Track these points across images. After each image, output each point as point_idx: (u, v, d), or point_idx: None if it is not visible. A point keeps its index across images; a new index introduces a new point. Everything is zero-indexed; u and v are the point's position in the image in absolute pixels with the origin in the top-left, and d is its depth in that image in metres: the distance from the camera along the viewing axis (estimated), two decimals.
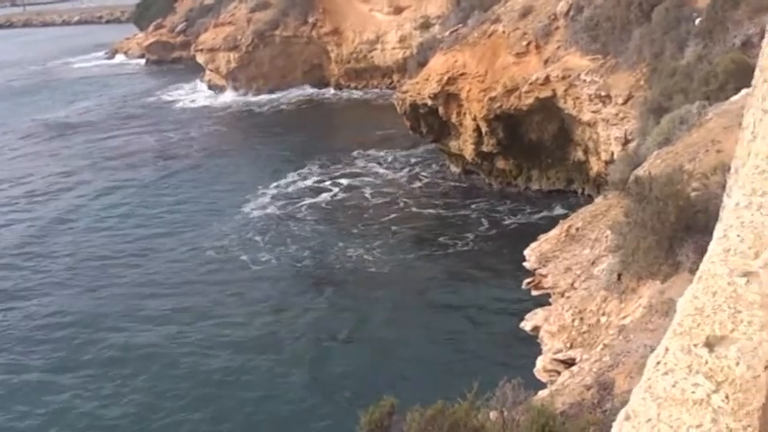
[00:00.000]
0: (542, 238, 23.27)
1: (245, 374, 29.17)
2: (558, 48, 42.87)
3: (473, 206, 44.52)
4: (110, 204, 50.11)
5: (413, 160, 53.65)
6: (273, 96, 77.87)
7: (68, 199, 51.78)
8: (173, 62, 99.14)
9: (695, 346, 3.43)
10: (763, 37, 15.40)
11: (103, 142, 65.76)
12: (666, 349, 3.46)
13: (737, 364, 3.28)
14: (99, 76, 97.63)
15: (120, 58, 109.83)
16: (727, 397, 3.11)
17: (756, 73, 11.84)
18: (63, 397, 28.72)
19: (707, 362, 3.32)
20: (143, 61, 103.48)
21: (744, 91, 19.32)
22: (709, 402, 3.10)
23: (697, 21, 33.86)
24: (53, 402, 28.44)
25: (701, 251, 12.34)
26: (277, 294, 35.67)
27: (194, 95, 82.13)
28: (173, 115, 74.81)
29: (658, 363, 3.40)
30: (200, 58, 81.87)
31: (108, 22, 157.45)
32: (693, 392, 3.16)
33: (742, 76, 21.66)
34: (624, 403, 3.30)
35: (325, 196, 48.26)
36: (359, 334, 31.83)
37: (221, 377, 29.08)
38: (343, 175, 51.74)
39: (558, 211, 39.34)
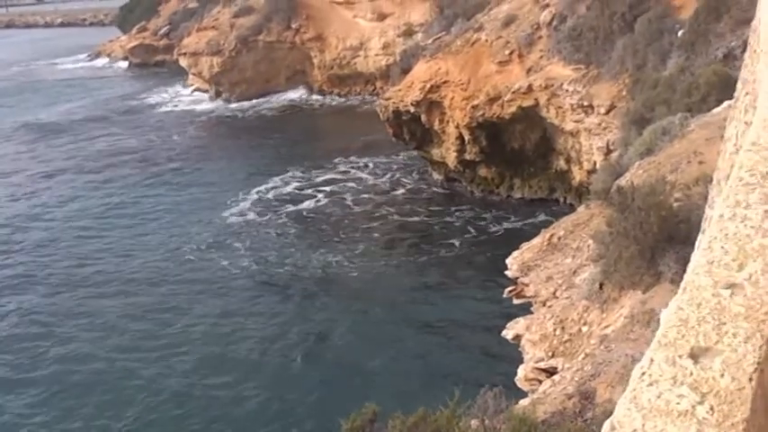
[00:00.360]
0: (524, 246, 23.30)
1: (222, 382, 29.02)
2: (541, 57, 43.02)
3: (455, 214, 44.56)
4: (89, 207, 49.92)
5: (395, 167, 53.65)
6: (256, 101, 77.76)
7: (47, 201, 51.58)
8: (156, 65, 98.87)
9: (680, 357, 3.45)
10: (745, 50, 15.52)
11: (84, 145, 65.53)
12: (651, 360, 3.47)
13: (722, 375, 3.29)
14: (81, 79, 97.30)
15: (102, 60, 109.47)
16: (711, 408, 3.12)
17: (738, 85, 11.90)
18: (25, 401, 28.63)
19: (692, 373, 3.33)
20: (126, 64, 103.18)
21: (726, 103, 19.44)
22: (693, 414, 3.11)
23: (680, 33, 34.05)
24: (23, 399, 28.37)
25: (684, 261, 12.43)
26: (257, 301, 35.58)
27: (177, 99, 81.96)
28: (155, 119, 74.62)
29: (643, 374, 3.41)
30: (184, 62, 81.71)
31: (91, 24, 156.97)
32: (678, 404, 3.17)
33: (724, 89, 21.79)
34: (605, 412, 3.32)
35: (307, 202, 48.20)
36: (340, 341, 31.75)
37: (197, 385, 28.95)
38: (325, 182, 51.70)
39: (541, 219, 39.38)
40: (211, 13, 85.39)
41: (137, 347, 31.94)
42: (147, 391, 28.61)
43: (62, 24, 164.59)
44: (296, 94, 79.66)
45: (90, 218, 47.90)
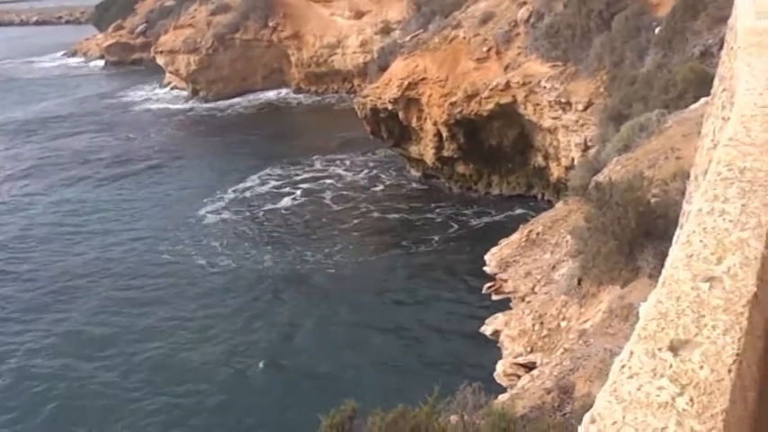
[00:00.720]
0: (503, 242, 23.37)
1: (201, 378, 28.98)
2: (519, 54, 43.11)
3: (433, 210, 44.58)
4: (64, 205, 49.67)
5: (373, 164, 53.62)
6: (233, 100, 77.54)
7: (22, 198, 51.27)
8: (132, 63, 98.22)
9: (659, 349, 3.47)
10: (722, 47, 15.63)
11: (60, 143, 65.11)
12: (631, 353, 3.49)
13: (702, 367, 3.32)
14: (57, 77, 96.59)
15: (79, 59, 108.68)
16: (691, 400, 3.14)
17: (715, 82, 11.98)
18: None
19: (671, 365, 3.35)
20: (102, 63, 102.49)
21: (703, 99, 19.56)
22: (673, 405, 3.13)
23: (657, 30, 34.21)
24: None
25: (661, 256, 12.49)
26: (234, 298, 35.49)
27: (154, 98, 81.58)
28: (131, 117, 74.25)
29: (623, 366, 3.42)
30: (160, 60, 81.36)
31: (67, 22, 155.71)
32: (658, 395, 3.19)
33: (701, 85, 21.93)
34: (584, 406, 3.33)
35: (285, 200, 48.11)
36: (318, 338, 31.73)
37: (177, 380, 28.89)
38: (302, 179, 51.62)
39: (519, 215, 39.43)
40: (188, 11, 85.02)
41: (107, 344, 31.84)
42: (142, 380, 28.65)
43: (37, 23, 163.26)
44: (273, 92, 79.44)
45: (65, 215, 47.66)
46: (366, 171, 52.54)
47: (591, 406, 3.30)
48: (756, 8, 10.47)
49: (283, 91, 79.68)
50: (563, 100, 38.24)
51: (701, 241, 4.30)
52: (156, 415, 27.01)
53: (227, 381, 28.78)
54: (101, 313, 34.59)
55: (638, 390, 3.24)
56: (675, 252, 4.35)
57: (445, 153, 46.27)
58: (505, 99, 42.07)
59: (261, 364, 29.67)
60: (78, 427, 26.73)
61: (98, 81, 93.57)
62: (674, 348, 3.46)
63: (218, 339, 31.81)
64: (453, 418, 12.37)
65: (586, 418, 3.22)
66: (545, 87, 39.44)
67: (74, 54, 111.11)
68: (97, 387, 28.97)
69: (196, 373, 29.34)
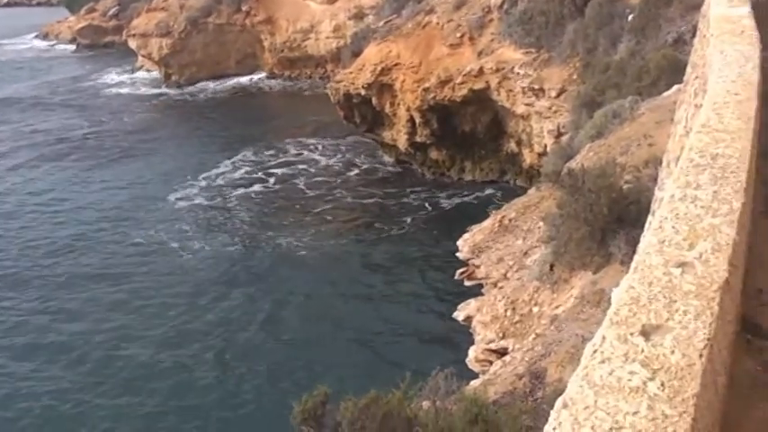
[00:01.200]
0: (475, 228, 23.43)
1: (173, 365, 28.88)
2: (492, 40, 43.11)
3: (406, 196, 44.59)
4: (36, 190, 49.25)
5: (345, 149, 53.55)
6: (206, 84, 77.19)
7: None
8: (105, 47, 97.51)
9: (631, 335, 3.49)
10: (694, 35, 15.69)
11: (31, 127, 64.49)
12: (603, 338, 3.51)
13: (673, 352, 3.34)
14: (28, 60, 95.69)
15: (50, 41, 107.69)
16: (662, 384, 3.16)
17: (688, 69, 12.03)
18: None
19: (643, 350, 3.37)
20: (74, 46, 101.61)
21: (675, 87, 19.63)
22: (645, 390, 3.15)
23: (630, 17, 34.29)
24: None
25: (633, 242, 12.55)
26: (207, 284, 35.33)
27: (126, 81, 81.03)
28: (103, 101, 73.68)
29: (595, 351, 3.44)
30: (133, 44, 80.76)
31: (39, 4, 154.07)
32: (630, 380, 3.21)
33: (674, 73, 22.00)
34: (556, 392, 3.34)
35: (257, 186, 47.95)
36: (291, 323, 31.68)
37: (149, 369, 28.74)
38: (276, 164, 51.46)
39: (492, 201, 39.50)
40: None
41: (97, 325, 31.76)
42: (112, 370, 28.47)
43: (8, 5, 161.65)
44: (246, 76, 79.12)
45: (37, 202, 47.24)
46: (339, 156, 52.47)
47: (563, 391, 3.31)
48: None
49: (256, 76, 79.35)
50: (536, 86, 38.31)
51: (673, 227, 4.32)
52: (119, 400, 26.94)
53: (197, 367, 28.70)
54: (59, 296, 34.39)
55: (610, 374, 3.26)
56: (648, 238, 4.37)
57: (418, 139, 46.28)
58: (479, 85, 42.10)
59: (232, 351, 29.60)
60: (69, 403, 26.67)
61: (70, 64, 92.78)
62: (645, 333, 3.48)
63: (190, 326, 31.69)
64: (425, 404, 12.40)
65: (558, 402, 3.23)
66: (518, 74, 39.50)
67: (45, 36, 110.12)
68: (56, 372, 28.88)
69: (164, 360, 29.24)
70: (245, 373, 28.12)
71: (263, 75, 79.29)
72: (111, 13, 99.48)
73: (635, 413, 3.05)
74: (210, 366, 28.66)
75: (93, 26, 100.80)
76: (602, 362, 3.35)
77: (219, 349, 29.81)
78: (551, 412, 3.28)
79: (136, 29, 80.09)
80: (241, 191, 47.08)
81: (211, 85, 77.17)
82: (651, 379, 3.20)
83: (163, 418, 26.06)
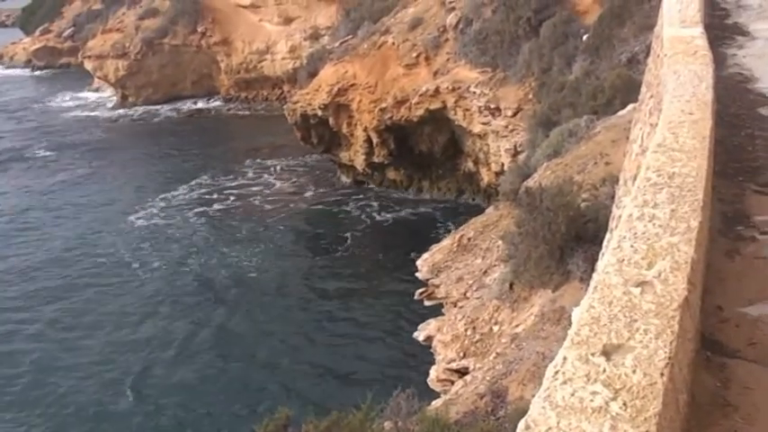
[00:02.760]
0: (434, 248, 23.46)
1: (124, 383, 28.56)
2: (448, 60, 43.31)
3: (363, 216, 44.58)
4: None
5: (303, 170, 53.56)
6: (163, 106, 76.85)
7: None
8: (60, 68, 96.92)
9: (593, 354, 3.49)
10: (648, 54, 15.86)
11: None
12: (564, 358, 3.51)
13: (634, 371, 3.35)
14: None
15: (5, 63, 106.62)
16: (625, 404, 3.17)
17: (643, 89, 12.14)
18: None
19: (605, 370, 3.38)
20: (29, 68, 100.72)
21: (630, 106, 19.82)
22: (607, 410, 3.15)
23: (584, 37, 34.62)
24: None
25: (592, 260, 12.62)
26: (162, 304, 35.07)
27: (82, 103, 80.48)
28: (59, 123, 73.00)
29: (557, 372, 3.44)
30: (89, 65, 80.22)
31: None
32: (592, 400, 3.21)
33: (628, 92, 22.20)
34: (518, 410, 3.36)
35: (216, 206, 47.77)
36: (249, 344, 31.46)
37: (100, 389, 28.41)
38: (233, 186, 51.31)
39: (450, 221, 39.59)
40: (116, 14, 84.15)
41: (37, 349, 31.40)
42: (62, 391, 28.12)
43: None
44: (203, 98, 78.87)
45: None
46: (296, 178, 52.44)
47: (524, 410, 3.32)
48: (681, 17, 10.65)
49: (213, 97, 79.13)
50: (492, 106, 38.51)
51: (631, 246, 4.35)
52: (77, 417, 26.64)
53: (152, 388, 28.43)
54: (28, 321, 34.05)
55: (572, 395, 3.26)
56: (607, 257, 4.39)
57: (376, 159, 46.35)
58: (435, 105, 42.26)
59: (189, 372, 29.34)
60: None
61: (25, 86, 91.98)
62: (606, 353, 3.49)
63: (145, 345, 31.43)
64: (387, 425, 12.38)
65: (521, 424, 3.23)
66: (474, 93, 39.70)
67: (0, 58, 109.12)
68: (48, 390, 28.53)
69: (118, 379, 28.94)
70: (202, 395, 27.85)
71: (219, 96, 79.06)
72: (66, 34, 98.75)
73: None
74: (161, 388, 28.36)
75: (49, 48, 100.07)
76: (564, 382, 3.35)
77: (171, 369, 29.52)
78: None
79: (91, 50, 79.57)
80: (198, 210, 46.92)
81: (168, 106, 76.83)
82: (613, 399, 3.21)
83: None
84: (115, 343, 31.83)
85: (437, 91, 41.96)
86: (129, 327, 33.11)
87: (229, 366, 29.87)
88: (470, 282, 19.78)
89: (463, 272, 20.62)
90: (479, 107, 39.44)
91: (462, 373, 15.91)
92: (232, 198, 49.17)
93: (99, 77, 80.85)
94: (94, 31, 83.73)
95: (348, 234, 42.41)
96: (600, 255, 8.92)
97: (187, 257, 39.97)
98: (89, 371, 29.89)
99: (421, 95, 42.62)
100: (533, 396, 3.37)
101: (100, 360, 30.54)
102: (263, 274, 37.66)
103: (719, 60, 9.97)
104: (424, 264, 22.48)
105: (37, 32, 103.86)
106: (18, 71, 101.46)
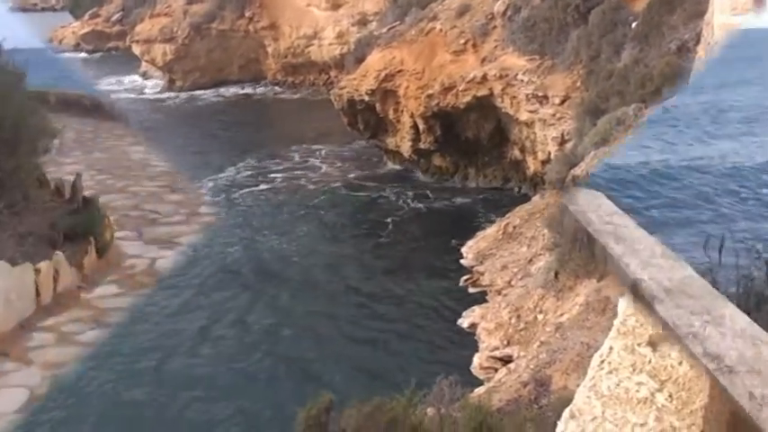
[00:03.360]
0: (480, 235, 23.47)
1: (166, 370, 28.70)
2: (496, 47, 43.12)
3: (409, 202, 44.56)
4: None
5: (349, 155, 53.59)
6: (210, 90, 77.20)
7: None
8: (108, 52, 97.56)
9: (638, 345, 3.49)
10: (698, 42, 15.70)
11: None
12: (610, 348, 3.51)
13: (681, 363, 3.33)
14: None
15: (54, 47, 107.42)
16: (670, 396, 3.16)
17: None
18: None
19: (650, 361, 3.37)
20: (78, 52, 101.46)
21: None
22: (653, 401, 3.15)
23: (633, 25, 34.31)
24: None
25: None
26: (206, 291, 35.18)
27: (129, 87, 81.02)
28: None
29: (602, 362, 3.44)
30: (137, 50, 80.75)
31: (43, 9, 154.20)
32: (638, 391, 3.21)
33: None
34: (561, 399, 3.34)
35: (261, 186, 47.94)
36: (291, 329, 31.45)
37: (137, 383, 28.53)
38: (279, 170, 51.46)
39: (496, 208, 39.44)
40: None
41: None
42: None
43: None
44: (250, 82, 79.16)
45: None
46: (342, 162, 52.47)
47: (568, 399, 3.31)
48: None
49: (260, 82, 79.40)
50: (540, 93, 38.30)
51: None
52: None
53: (199, 371, 28.56)
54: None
55: (618, 385, 3.26)
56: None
57: (422, 145, 46.29)
58: (482, 92, 42.08)
59: (233, 355, 29.46)
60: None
61: (74, 69, 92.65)
62: (653, 344, 3.47)
63: (189, 324, 31.57)
64: (430, 411, 12.40)
65: (566, 413, 3.23)
66: (522, 80, 39.50)
67: (50, 42, 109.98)
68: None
69: (159, 367, 29.09)
70: (246, 378, 27.97)
71: (266, 81, 79.33)
72: (114, 18, 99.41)
73: (643, 425, 3.05)
74: (205, 373, 28.38)
75: (97, 32, 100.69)
76: (610, 372, 3.35)
77: (214, 355, 29.53)
78: (558, 423, 3.28)
79: (139, 35, 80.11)
80: (245, 190, 47.15)
81: (215, 90, 77.18)
82: (659, 390, 3.20)
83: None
84: (150, 332, 32.00)
85: (484, 78, 41.79)
86: (163, 312, 33.23)
87: (272, 349, 29.86)
88: (515, 270, 19.77)
89: (508, 260, 20.61)
90: (527, 95, 39.23)
91: (506, 361, 15.91)
92: (279, 179, 49.31)
93: (146, 61, 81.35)
94: (142, 16, 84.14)
95: (390, 219, 42.38)
96: None
97: (228, 243, 40.03)
98: (112, 365, 30.15)
99: (468, 82, 42.46)
100: (577, 386, 3.37)
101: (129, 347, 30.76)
102: (305, 258, 37.70)
103: None
104: (468, 251, 22.51)
105: (86, 16, 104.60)
106: (67, 54, 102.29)
